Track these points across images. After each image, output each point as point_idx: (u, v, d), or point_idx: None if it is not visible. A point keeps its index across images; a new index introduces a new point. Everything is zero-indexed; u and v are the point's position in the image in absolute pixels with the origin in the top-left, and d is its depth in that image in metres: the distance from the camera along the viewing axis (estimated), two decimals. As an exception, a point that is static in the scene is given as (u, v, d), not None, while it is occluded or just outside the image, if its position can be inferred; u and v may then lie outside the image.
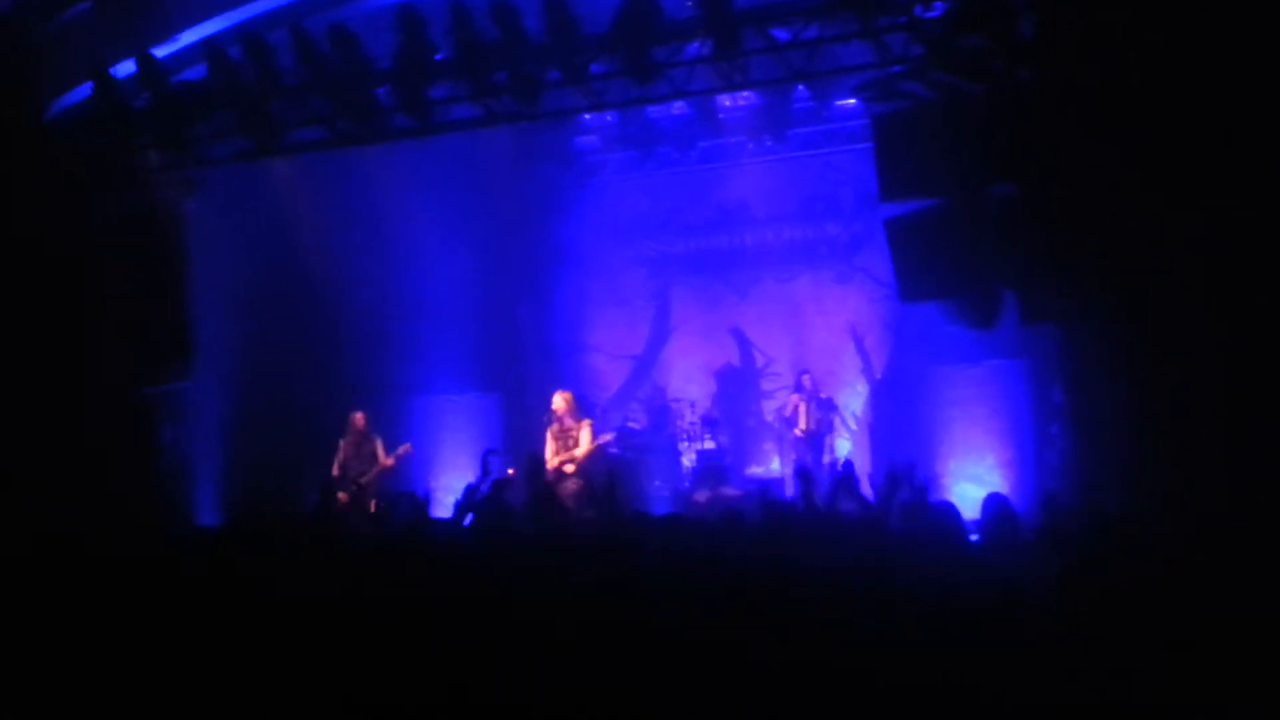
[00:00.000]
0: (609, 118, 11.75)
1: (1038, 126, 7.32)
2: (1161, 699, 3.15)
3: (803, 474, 7.04)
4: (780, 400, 12.48)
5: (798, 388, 11.33)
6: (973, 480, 10.26)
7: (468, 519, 6.41)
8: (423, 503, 6.43)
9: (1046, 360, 9.34)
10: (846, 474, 7.15)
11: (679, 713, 3.33)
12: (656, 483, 11.70)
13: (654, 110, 11.25)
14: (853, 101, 11.00)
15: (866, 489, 10.67)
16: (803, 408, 11.10)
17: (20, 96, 9.34)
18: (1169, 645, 3.30)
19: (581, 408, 10.52)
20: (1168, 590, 3.63)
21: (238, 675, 3.31)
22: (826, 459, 11.12)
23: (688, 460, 12.16)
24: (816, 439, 11.10)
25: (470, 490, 6.63)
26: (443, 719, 3.14)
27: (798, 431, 11.21)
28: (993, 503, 5.39)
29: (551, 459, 10.06)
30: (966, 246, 7.63)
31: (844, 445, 11.79)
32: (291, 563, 4.64)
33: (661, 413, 12.60)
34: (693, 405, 12.44)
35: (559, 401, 10.18)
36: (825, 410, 11.07)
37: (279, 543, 5.30)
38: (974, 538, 5.32)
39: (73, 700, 3.57)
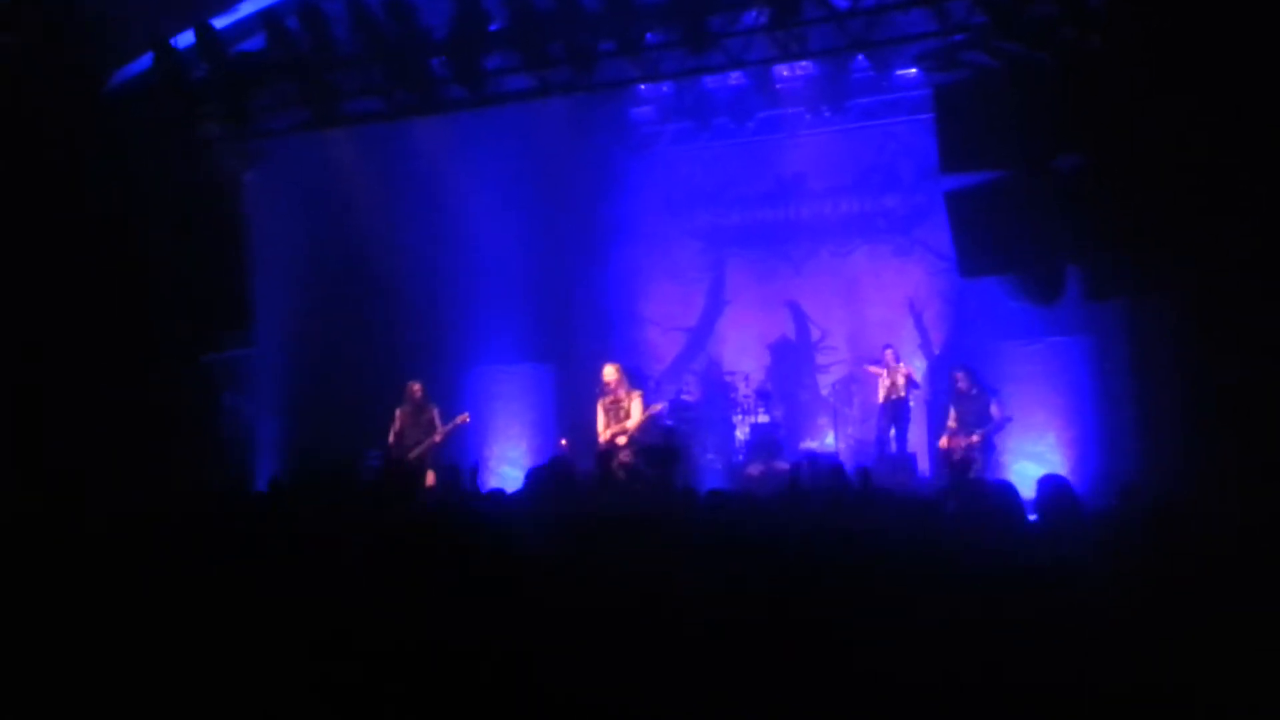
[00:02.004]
0: (665, 89, 11.67)
1: (1107, 96, 7.11)
2: (1216, 687, 3.07)
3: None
4: (836, 374, 12.36)
5: (879, 360, 11.10)
6: (1033, 459, 10.07)
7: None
8: (471, 475, 6.44)
9: (1110, 338, 9.11)
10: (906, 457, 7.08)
11: (723, 695, 3.29)
12: (709, 455, 11.68)
13: (710, 81, 11.13)
14: (914, 71, 10.77)
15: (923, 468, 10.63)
16: (884, 380, 10.90)
17: (82, 68, 9.46)
18: (1225, 634, 3.21)
19: (632, 379, 10.50)
20: (1229, 579, 3.53)
21: (271, 651, 3.34)
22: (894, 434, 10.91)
23: (741, 433, 12.10)
24: (901, 409, 10.87)
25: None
26: (468, 701, 3.14)
27: (880, 399, 10.98)
28: (1049, 484, 5.25)
29: (603, 431, 10.07)
30: (1030, 220, 7.45)
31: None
32: (340, 531, 4.67)
33: (715, 385, 12.55)
34: (747, 378, 12.36)
35: (609, 373, 10.17)
36: (904, 384, 10.83)
37: (332, 510, 5.35)
38: (1033, 518, 5.22)
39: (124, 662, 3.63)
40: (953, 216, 7.88)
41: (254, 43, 9.41)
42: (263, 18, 9.03)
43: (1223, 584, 3.38)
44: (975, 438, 9.83)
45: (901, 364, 10.85)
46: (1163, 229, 6.90)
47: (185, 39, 9.26)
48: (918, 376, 11.25)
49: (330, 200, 11.60)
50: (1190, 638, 3.17)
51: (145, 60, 9.50)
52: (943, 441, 10.22)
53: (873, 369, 11.15)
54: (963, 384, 10.12)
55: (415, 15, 8.65)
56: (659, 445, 8.24)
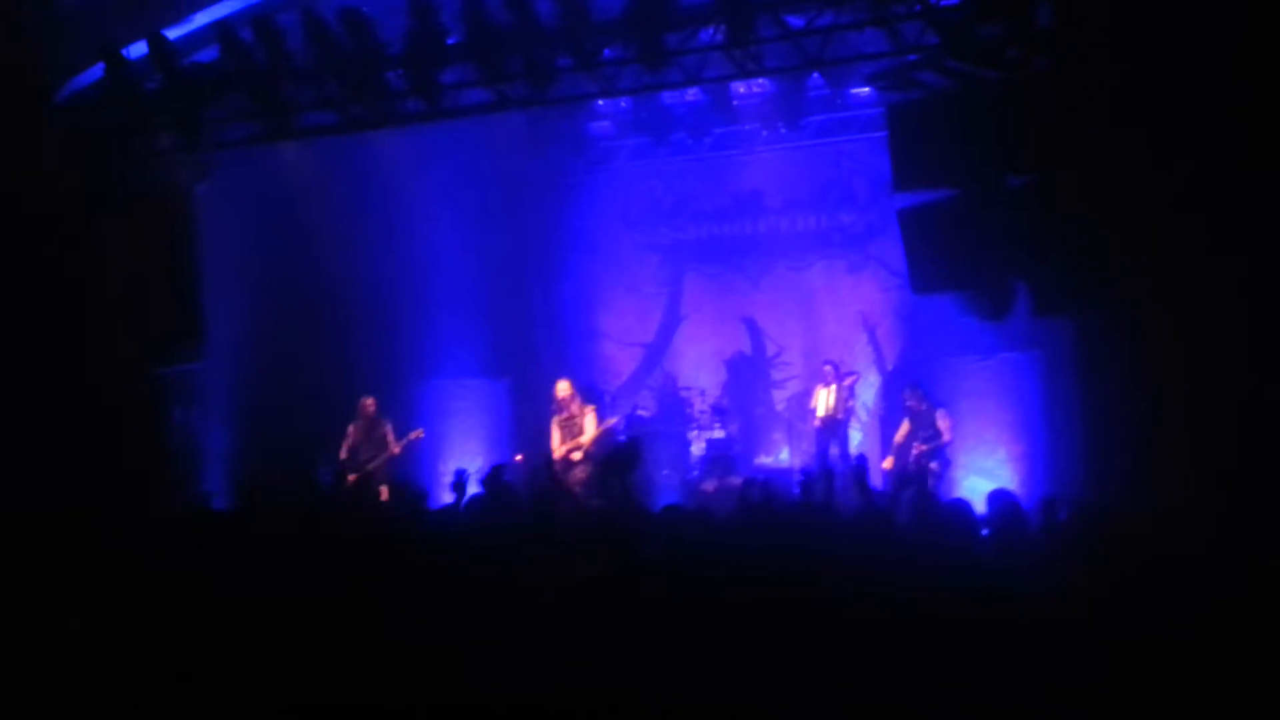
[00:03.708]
0: (623, 104, 11.70)
1: (1054, 117, 7.24)
2: (1163, 692, 3.14)
3: (856, 466, 7.05)
4: (791, 390, 12.43)
5: (820, 376, 11.19)
6: (983, 474, 10.17)
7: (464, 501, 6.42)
8: (422, 494, 6.42)
9: (1059, 354, 9.25)
10: (859, 468, 7.13)
11: (678, 705, 3.30)
12: (665, 471, 11.68)
13: (668, 96, 11.19)
14: (868, 90, 10.91)
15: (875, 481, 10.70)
16: (824, 396, 10.99)
17: (33, 77, 9.32)
18: (1171, 640, 3.28)
19: (585, 394, 10.50)
20: (1172, 588, 3.60)
21: (227, 662, 3.30)
22: (834, 450, 11.01)
23: (697, 449, 12.11)
24: (839, 428, 10.98)
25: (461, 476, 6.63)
26: (428, 714, 3.12)
27: (816, 421, 11.10)
28: (998, 499, 5.34)
29: (558, 448, 10.05)
30: (980, 237, 7.56)
31: (855, 436, 11.71)
32: (293, 548, 4.63)
33: (671, 401, 12.56)
34: (703, 394, 12.39)
35: (562, 389, 10.18)
36: (845, 399, 10.94)
37: (282, 528, 5.30)
38: (985, 532, 5.29)
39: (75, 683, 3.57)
40: (905, 233, 7.98)
41: (207, 54, 9.33)
42: (216, 29, 8.94)
43: (1163, 592, 3.45)
44: (923, 446, 9.91)
45: (841, 382, 10.93)
46: (1110, 247, 7.03)
47: (138, 49, 9.15)
48: (868, 394, 11.35)
49: (284, 213, 11.47)
50: (1131, 641, 3.24)
51: (97, 70, 9.37)
52: (886, 462, 10.32)
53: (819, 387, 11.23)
54: (911, 401, 10.22)
55: (371, 28, 8.62)
56: (620, 449, 8.22)
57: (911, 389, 10.32)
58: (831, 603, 3.80)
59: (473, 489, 6.83)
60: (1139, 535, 4.30)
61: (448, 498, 7.17)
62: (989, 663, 3.30)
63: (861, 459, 8.40)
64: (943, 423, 9.98)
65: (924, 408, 10.11)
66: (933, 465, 9.85)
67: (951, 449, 10.11)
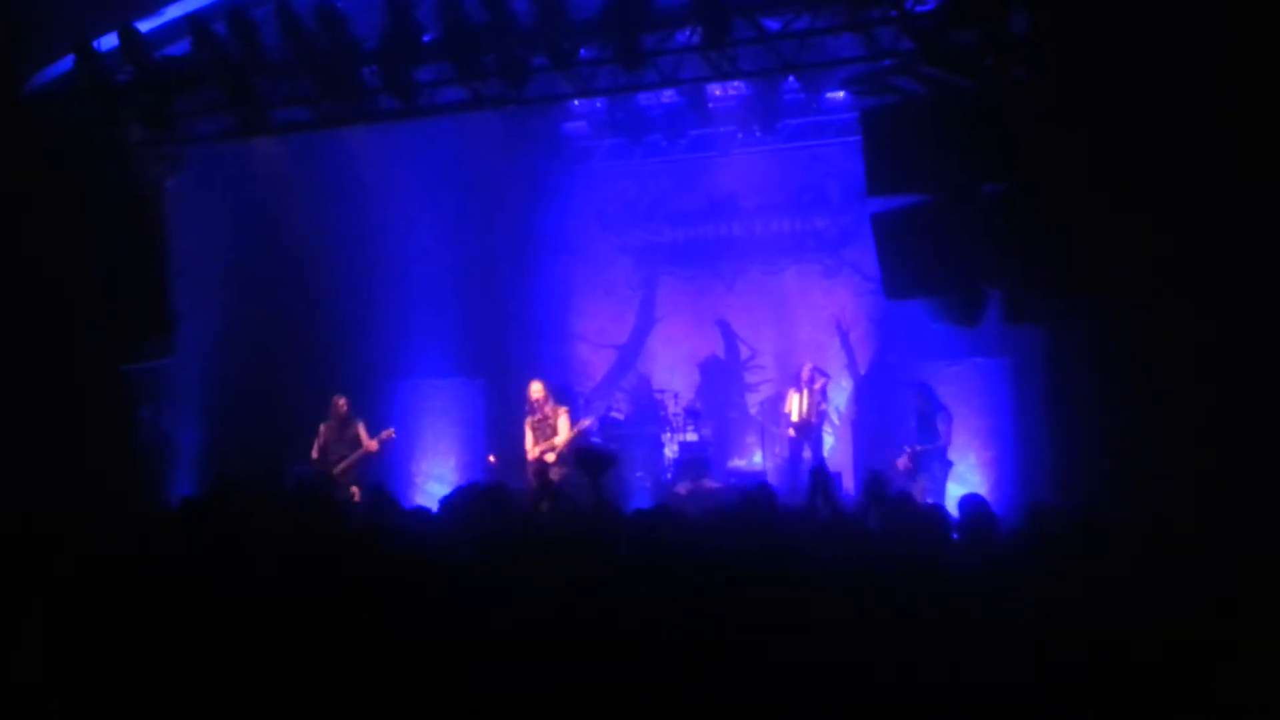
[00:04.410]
0: (598, 104, 11.69)
1: (1028, 125, 7.29)
2: (1132, 694, 3.17)
3: (816, 471, 7.07)
4: (764, 393, 12.47)
5: (796, 380, 11.22)
6: (954, 479, 10.23)
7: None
8: (390, 496, 6.37)
9: (1029, 360, 9.32)
10: (824, 476, 7.16)
11: (654, 706, 3.30)
12: (638, 474, 11.67)
13: (644, 98, 11.19)
14: (843, 94, 10.96)
15: (848, 486, 10.76)
16: (796, 400, 11.03)
17: (0, 68, 9.19)
18: (1137, 645, 3.32)
19: (558, 395, 10.48)
20: (1137, 592, 3.64)
21: (198, 663, 3.26)
22: (807, 454, 11.06)
23: (670, 451, 12.12)
24: (812, 432, 11.03)
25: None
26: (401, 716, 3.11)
27: (790, 431, 11.14)
28: (969, 503, 5.37)
29: (532, 449, 10.02)
30: (953, 244, 7.60)
31: (828, 440, 11.76)
32: (262, 547, 4.58)
33: (645, 403, 12.56)
34: (676, 396, 12.40)
35: (535, 390, 10.15)
36: (817, 403, 10.99)
37: (251, 527, 5.25)
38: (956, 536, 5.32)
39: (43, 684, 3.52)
40: (878, 239, 8.01)
41: (180, 47, 9.23)
42: (189, 21, 8.84)
43: (1127, 593, 3.49)
44: (919, 447, 9.97)
45: (812, 385, 10.97)
46: (1081, 255, 7.09)
47: (109, 41, 9.04)
48: (840, 398, 11.39)
49: (256, 209, 11.36)
50: (1097, 640, 3.27)
51: (67, 62, 9.25)
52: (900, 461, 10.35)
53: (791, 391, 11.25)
54: (917, 403, 10.27)
55: (346, 24, 8.56)
56: (594, 450, 8.22)
57: (918, 390, 10.34)
58: (805, 604, 3.81)
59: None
60: (1105, 539, 4.35)
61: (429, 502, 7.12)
62: (956, 664, 3.33)
63: (822, 467, 8.45)
64: (942, 426, 10.05)
65: (929, 409, 10.15)
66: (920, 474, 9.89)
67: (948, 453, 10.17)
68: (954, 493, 9.51)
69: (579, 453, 8.42)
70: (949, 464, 10.09)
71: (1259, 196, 6.56)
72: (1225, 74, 6.56)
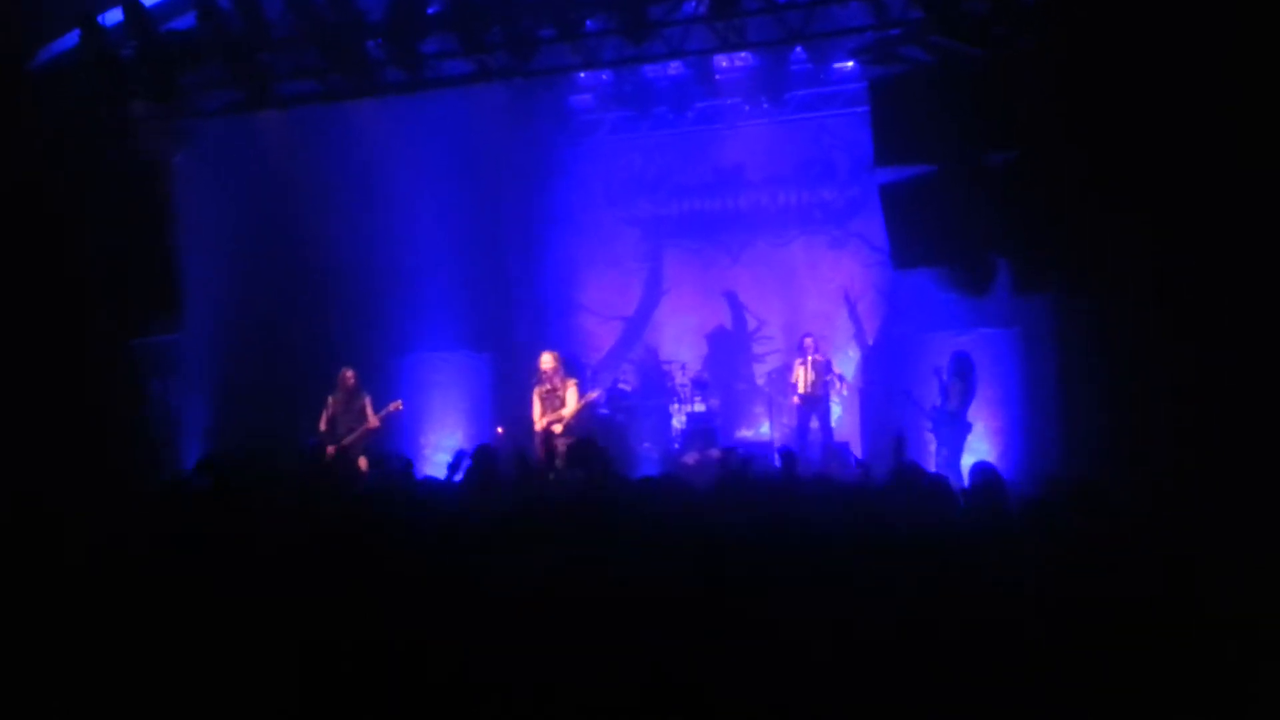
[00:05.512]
0: (604, 77, 11.63)
1: (1038, 94, 7.26)
2: (1131, 669, 3.20)
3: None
4: (772, 364, 12.47)
5: (799, 350, 11.23)
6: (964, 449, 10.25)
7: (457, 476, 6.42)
8: (409, 465, 6.41)
9: (1038, 331, 9.31)
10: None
11: (664, 677, 3.32)
12: (645, 444, 11.71)
13: (650, 70, 11.14)
14: (850, 65, 10.90)
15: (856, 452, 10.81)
16: (802, 371, 11.05)
17: (5, 44, 9.17)
18: (1137, 609, 3.34)
19: (568, 367, 10.48)
20: (1136, 557, 3.66)
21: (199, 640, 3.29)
22: (815, 425, 11.09)
23: (677, 422, 12.15)
24: (819, 403, 11.06)
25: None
26: (410, 694, 3.13)
27: (795, 399, 11.16)
28: (979, 471, 5.39)
29: (539, 420, 10.05)
30: (961, 214, 7.59)
31: (836, 410, 11.77)
32: (272, 521, 4.61)
33: (652, 374, 12.58)
34: (683, 367, 12.41)
35: (546, 361, 10.14)
36: (823, 373, 11.01)
37: (261, 499, 5.28)
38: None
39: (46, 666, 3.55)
40: (886, 209, 8.00)
41: (184, 21, 9.20)
42: (194, -6, 8.84)
43: (1130, 561, 3.51)
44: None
45: (817, 355, 10.99)
46: (1088, 225, 7.07)
47: (113, 16, 9.02)
48: (848, 368, 11.38)
49: (263, 184, 11.35)
50: (1098, 608, 3.30)
51: (72, 37, 9.23)
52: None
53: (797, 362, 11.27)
54: (946, 376, 10.36)
55: (351, -4, 8.54)
56: (583, 443, 8.22)
57: (954, 360, 10.42)
58: (812, 572, 3.83)
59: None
60: (1109, 507, 4.36)
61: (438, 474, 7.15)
62: (967, 628, 3.34)
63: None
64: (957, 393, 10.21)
65: (950, 381, 10.30)
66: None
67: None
68: (962, 462, 9.56)
69: (573, 448, 8.44)
70: (967, 426, 10.14)
71: (1265, 169, 6.53)
72: (1237, 47, 6.52)
